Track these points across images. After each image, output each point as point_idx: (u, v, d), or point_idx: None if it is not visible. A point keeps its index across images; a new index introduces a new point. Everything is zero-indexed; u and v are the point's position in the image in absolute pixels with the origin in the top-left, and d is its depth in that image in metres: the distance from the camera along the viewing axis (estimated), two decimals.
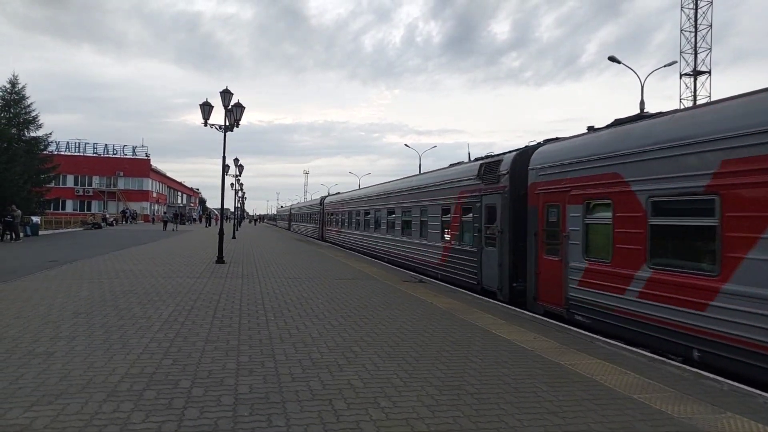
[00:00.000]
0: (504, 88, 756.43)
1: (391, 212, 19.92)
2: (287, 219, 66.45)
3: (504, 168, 11.10)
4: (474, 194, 12.35)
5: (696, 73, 46.46)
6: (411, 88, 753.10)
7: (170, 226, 47.38)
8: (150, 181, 79.07)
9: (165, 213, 64.73)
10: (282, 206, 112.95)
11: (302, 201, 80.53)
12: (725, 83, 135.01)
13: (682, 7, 46.82)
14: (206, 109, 16.95)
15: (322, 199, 37.37)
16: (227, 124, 17.42)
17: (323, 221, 35.32)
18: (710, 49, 45.88)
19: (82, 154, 72.95)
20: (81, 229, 43.80)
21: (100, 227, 45.91)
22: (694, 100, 45.37)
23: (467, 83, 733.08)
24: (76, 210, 68.09)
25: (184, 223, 64.90)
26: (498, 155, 12.04)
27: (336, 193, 36.11)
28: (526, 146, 11.15)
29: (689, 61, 46.54)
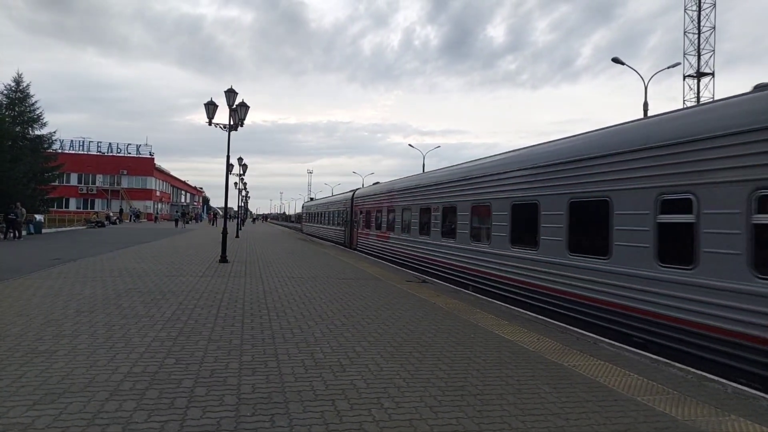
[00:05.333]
0: (501, 90, 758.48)
1: None
2: (343, 221, 29.82)
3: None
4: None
5: (699, 75, 46.36)
6: (410, 90, 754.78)
7: (179, 224, 51.01)
8: (153, 179, 79.19)
9: (176, 212, 66.06)
10: (312, 198, 69.59)
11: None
12: (717, 86, 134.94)
13: (685, 9, 46.78)
14: (211, 108, 16.96)
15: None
16: (231, 123, 17.43)
17: None
18: (714, 51, 45.83)
19: (86, 153, 73.17)
20: (84, 227, 43.87)
21: (103, 225, 45.98)
22: (698, 100, 45.22)
23: (465, 86, 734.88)
24: (80, 208, 68.24)
25: (188, 222, 65.24)
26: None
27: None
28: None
29: (692, 63, 46.48)
